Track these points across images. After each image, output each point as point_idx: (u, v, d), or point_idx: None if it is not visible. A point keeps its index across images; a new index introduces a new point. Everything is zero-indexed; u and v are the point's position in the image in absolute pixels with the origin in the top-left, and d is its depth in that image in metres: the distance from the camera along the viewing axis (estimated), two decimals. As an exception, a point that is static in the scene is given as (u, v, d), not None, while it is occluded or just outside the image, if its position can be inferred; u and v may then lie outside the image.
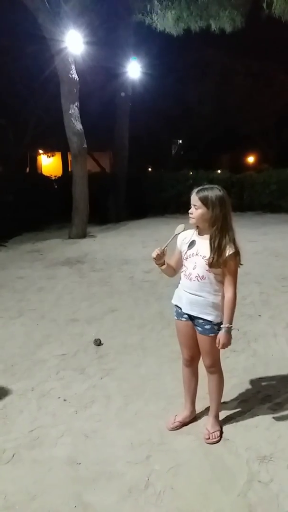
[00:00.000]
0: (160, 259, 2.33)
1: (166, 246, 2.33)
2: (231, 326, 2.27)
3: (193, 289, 2.30)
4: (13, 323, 4.36)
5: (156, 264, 2.37)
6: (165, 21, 9.64)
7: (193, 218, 2.26)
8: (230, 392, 2.87)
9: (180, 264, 2.43)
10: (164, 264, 2.37)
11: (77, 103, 9.58)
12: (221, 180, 13.54)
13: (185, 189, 12.89)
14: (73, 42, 8.91)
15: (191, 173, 14.92)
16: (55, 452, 2.33)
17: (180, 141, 24.86)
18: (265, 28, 11.74)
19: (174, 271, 2.45)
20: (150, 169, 21.67)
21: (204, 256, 2.25)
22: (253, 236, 8.95)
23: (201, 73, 17.31)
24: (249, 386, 2.99)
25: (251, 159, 28.10)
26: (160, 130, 20.14)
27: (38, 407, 2.77)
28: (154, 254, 2.31)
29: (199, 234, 2.33)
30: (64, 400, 2.85)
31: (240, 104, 18.51)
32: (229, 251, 2.19)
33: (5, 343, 3.84)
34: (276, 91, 18.06)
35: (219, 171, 16.92)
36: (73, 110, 9.50)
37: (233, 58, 16.76)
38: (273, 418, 2.59)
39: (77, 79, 9.51)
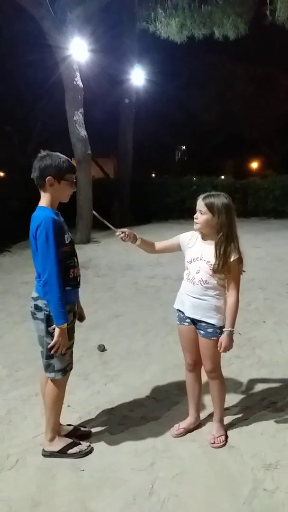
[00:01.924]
0: (127, 239, 2.31)
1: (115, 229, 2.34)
2: (233, 330, 2.28)
3: (196, 293, 2.31)
4: (17, 329, 4.36)
5: (125, 241, 2.34)
6: (169, 29, 9.74)
7: (198, 223, 2.28)
8: (235, 398, 2.86)
9: (167, 250, 2.48)
10: (137, 240, 2.36)
11: (81, 110, 9.67)
12: (225, 185, 13.59)
13: (189, 195, 12.97)
14: (78, 50, 9.01)
15: (194, 179, 14.98)
16: (59, 458, 2.32)
17: (184, 147, 24.95)
18: (268, 34, 11.84)
19: (153, 248, 2.45)
20: (154, 175, 21.76)
21: (208, 261, 2.26)
22: (257, 241, 8.94)
23: (204, 79, 17.41)
24: (254, 393, 2.97)
25: (255, 165, 28.14)
26: (164, 136, 20.24)
27: (42, 413, 2.74)
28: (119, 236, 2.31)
29: (202, 239, 2.34)
30: (68, 406, 2.84)
31: (244, 110, 18.59)
32: (233, 257, 2.21)
33: (9, 348, 3.84)
34: (279, 97, 18.12)
35: (223, 177, 16.98)
36: (78, 116, 9.59)
37: (236, 64, 16.86)
38: (279, 425, 2.57)
39: (82, 86, 9.61)
